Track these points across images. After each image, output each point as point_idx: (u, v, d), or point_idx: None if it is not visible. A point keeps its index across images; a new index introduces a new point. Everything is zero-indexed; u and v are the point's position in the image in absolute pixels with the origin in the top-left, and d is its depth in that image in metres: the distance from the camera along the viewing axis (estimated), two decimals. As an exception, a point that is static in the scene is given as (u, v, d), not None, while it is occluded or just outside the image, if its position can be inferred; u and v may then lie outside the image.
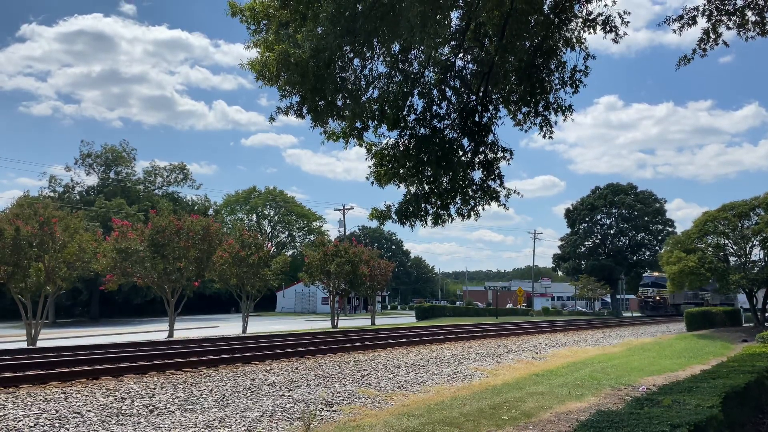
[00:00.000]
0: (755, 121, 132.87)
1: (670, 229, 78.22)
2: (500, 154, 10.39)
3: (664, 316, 55.92)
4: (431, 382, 12.89)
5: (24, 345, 21.67)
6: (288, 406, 9.75)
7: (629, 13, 9.15)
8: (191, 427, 8.30)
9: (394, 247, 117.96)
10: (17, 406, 8.72)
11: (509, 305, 77.74)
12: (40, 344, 21.42)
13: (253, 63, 9.09)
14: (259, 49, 9.11)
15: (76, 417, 8.39)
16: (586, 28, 9.49)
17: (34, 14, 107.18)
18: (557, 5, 9.39)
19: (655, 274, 60.98)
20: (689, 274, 32.74)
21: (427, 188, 10.22)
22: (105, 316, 56.61)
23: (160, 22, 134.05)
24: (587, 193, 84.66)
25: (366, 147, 10.20)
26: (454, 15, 9.42)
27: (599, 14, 9.35)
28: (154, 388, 10.46)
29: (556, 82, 9.90)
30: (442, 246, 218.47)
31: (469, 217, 10.45)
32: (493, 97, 10.30)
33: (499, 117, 10.39)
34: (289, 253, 77.15)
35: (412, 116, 9.91)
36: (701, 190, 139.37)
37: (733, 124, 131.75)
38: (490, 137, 10.30)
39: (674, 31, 9.42)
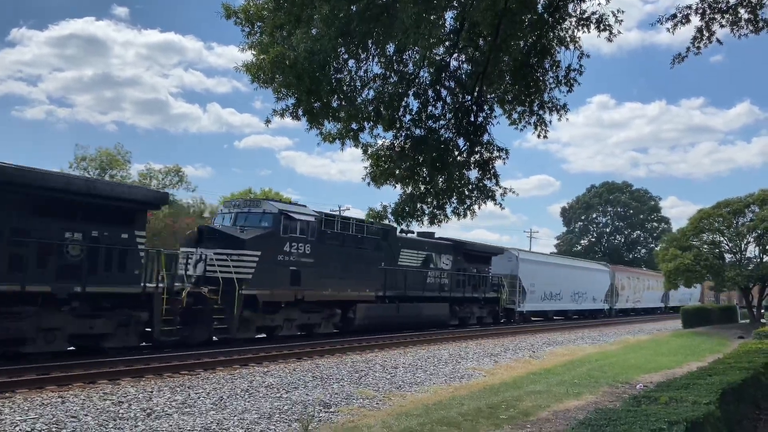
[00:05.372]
0: (748, 119, 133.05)
1: (666, 227, 78.60)
2: (495, 154, 10.40)
3: None
4: (429, 382, 12.90)
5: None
6: (286, 407, 9.74)
7: (623, 11, 9.18)
8: (189, 429, 8.29)
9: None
10: (14, 412, 8.68)
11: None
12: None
13: (248, 65, 9.06)
14: (253, 52, 9.08)
15: (73, 421, 8.36)
16: (580, 27, 9.50)
17: (24, 18, 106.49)
18: (551, 4, 9.40)
19: None
20: (685, 272, 32.83)
21: (423, 188, 10.22)
22: (101, 319, 56.37)
23: (153, 26, 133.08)
24: (582, 192, 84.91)
25: (362, 148, 10.19)
26: (448, 15, 9.42)
27: (593, 13, 9.37)
28: (152, 392, 10.43)
29: (551, 81, 9.91)
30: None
31: (465, 216, 10.46)
32: (488, 96, 10.30)
33: (495, 117, 10.41)
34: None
35: (408, 117, 9.90)
36: (695, 188, 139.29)
37: (726, 122, 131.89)
38: (486, 137, 10.30)
39: (668, 30, 9.44)
